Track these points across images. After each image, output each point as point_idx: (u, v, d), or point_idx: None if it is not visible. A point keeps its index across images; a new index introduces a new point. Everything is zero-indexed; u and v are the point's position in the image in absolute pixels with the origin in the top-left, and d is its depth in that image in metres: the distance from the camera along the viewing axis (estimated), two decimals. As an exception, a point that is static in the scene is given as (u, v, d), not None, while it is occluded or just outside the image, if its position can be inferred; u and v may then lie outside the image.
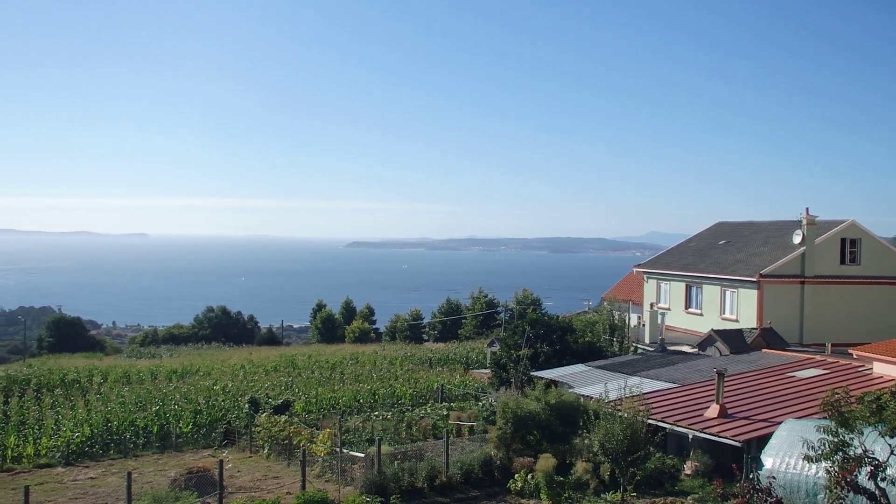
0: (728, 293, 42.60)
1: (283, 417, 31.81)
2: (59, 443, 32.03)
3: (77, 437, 32.60)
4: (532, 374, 35.49)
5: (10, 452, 31.61)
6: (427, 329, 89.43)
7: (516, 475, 24.16)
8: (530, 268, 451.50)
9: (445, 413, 33.33)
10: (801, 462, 18.56)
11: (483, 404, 34.66)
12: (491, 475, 25.11)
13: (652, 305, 46.66)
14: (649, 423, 22.98)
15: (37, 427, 34.34)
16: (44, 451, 31.90)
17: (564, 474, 23.94)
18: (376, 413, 34.85)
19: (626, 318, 45.76)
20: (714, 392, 26.35)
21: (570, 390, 30.12)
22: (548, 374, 34.59)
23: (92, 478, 28.52)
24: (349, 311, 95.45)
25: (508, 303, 77.88)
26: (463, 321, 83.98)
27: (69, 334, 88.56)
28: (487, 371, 46.88)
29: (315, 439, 27.51)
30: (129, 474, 21.68)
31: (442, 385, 41.56)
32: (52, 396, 42.80)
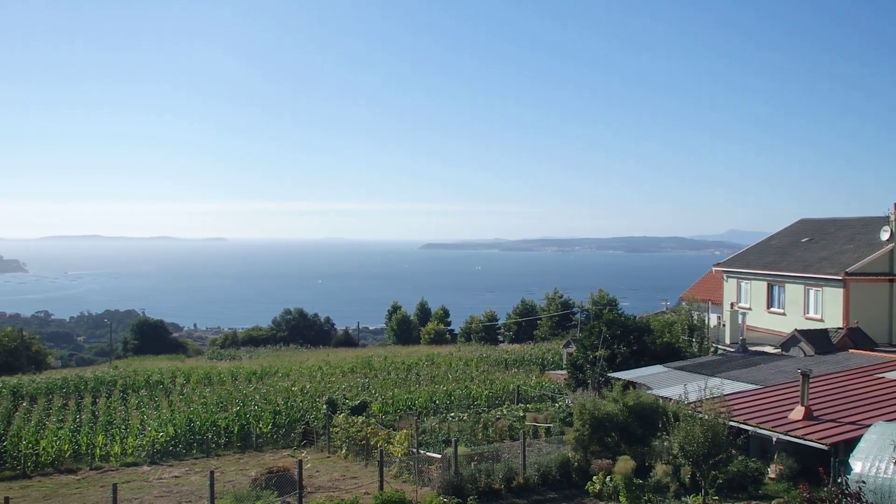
0: (812, 292, 41.36)
1: (361, 418, 32.08)
2: (144, 442, 32.96)
3: (161, 436, 33.49)
4: (609, 375, 35.01)
5: (98, 451, 32.69)
6: (502, 330, 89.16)
7: (594, 477, 23.88)
8: (605, 268, 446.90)
9: (522, 414, 33.19)
10: (892, 466, 17.87)
11: (559, 406, 34.38)
12: (568, 477, 24.88)
13: (732, 305, 45.60)
14: (731, 426, 22.44)
15: (123, 427, 35.43)
16: (130, 450, 32.88)
17: (643, 477, 23.57)
18: (452, 414, 34.89)
19: (706, 319, 44.83)
20: (798, 393, 25.57)
21: (649, 392, 29.63)
22: (625, 375, 34.08)
23: (176, 476, 29.23)
24: (424, 312, 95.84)
25: (584, 303, 77.15)
26: (538, 322, 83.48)
27: (152, 336, 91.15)
28: (563, 372, 46.51)
29: (392, 440, 27.65)
30: (212, 473, 22.16)
31: (518, 386, 41.37)
32: (138, 397, 44.03)
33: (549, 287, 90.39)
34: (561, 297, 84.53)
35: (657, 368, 35.37)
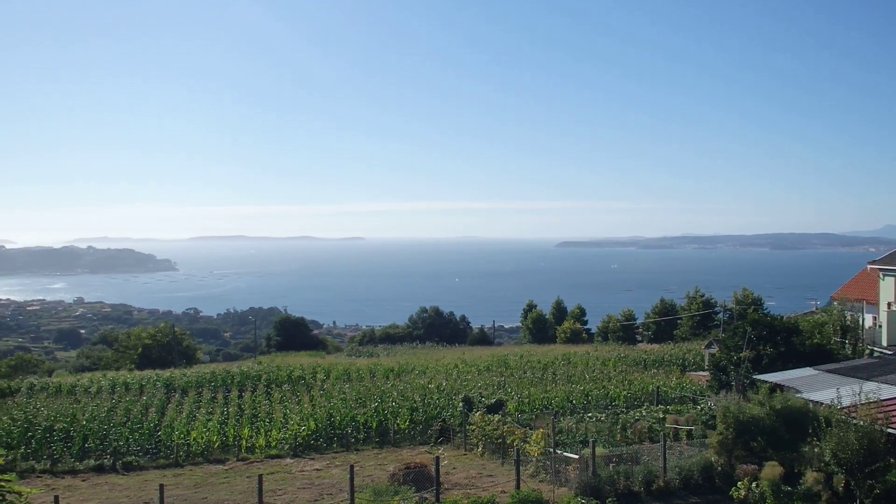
0: (981, 290, 38.32)
1: (497, 416, 31.96)
2: (287, 435, 33.98)
3: (303, 430, 34.43)
4: (754, 377, 33.51)
5: (244, 443, 33.96)
6: (640, 329, 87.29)
7: (739, 483, 22.84)
8: (750, 266, 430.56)
9: (662, 416, 32.20)
10: None
11: (702, 408, 33.20)
12: (711, 481, 23.91)
13: (889, 305, 42.80)
14: (889, 433, 21.00)
15: (267, 420, 36.63)
16: (274, 443, 33.96)
17: (792, 484, 22.33)
18: (589, 414, 34.28)
19: (860, 319, 42.26)
20: (967, 400, 23.68)
21: (797, 395, 28.14)
22: (771, 377, 32.49)
23: (317, 469, 29.94)
24: (560, 311, 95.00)
25: (727, 303, 74.53)
26: (678, 322, 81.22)
27: (294, 333, 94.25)
28: (705, 373, 45.02)
29: (528, 439, 27.35)
30: (352, 467, 22.51)
31: (657, 387, 40.28)
32: (281, 392, 45.43)
33: (689, 286, 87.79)
34: (702, 295, 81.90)
35: (806, 371, 33.57)
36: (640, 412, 33.58)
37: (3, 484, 6.18)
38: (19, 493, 6.34)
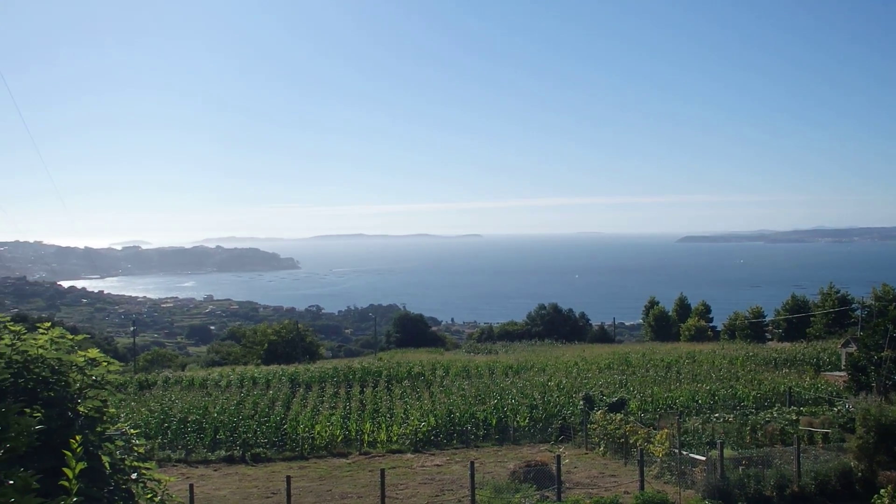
0: None
1: (619, 415, 31.36)
2: (407, 430, 34.35)
3: (423, 426, 34.70)
4: (896, 378, 31.77)
5: (366, 437, 34.53)
6: (770, 327, 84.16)
7: (882, 490, 21.52)
8: (891, 260, 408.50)
9: (794, 418, 30.85)
10: None
11: (838, 410, 31.62)
12: (850, 488, 22.71)
13: None
14: None
15: (388, 415, 37.12)
16: (395, 438, 34.41)
17: (942, 493, 20.98)
18: (716, 415, 33.22)
19: None
20: None
21: (946, 397, 26.47)
22: (916, 378, 30.73)
23: (438, 465, 30.11)
24: (683, 308, 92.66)
25: (865, 299, 70.98)
26: (811, 319, 77.84)
27: (413, 330, 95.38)
28: (842, 374, 43.00)
29: (652, 439, 26.73)
30: (472, 464, 22.49)
31: (789, 388, 38.70)
32: (401, 388, 45.96)
33: (822, 281, 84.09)
34: (837, 292, 78.21)
35: (955, 372, 31.57)
36: (771, 413, 32.30)
37: (144, 472, 6.37)
38: (158, 481, 6.52)
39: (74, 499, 4.26)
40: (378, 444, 34.11)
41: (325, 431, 34.53)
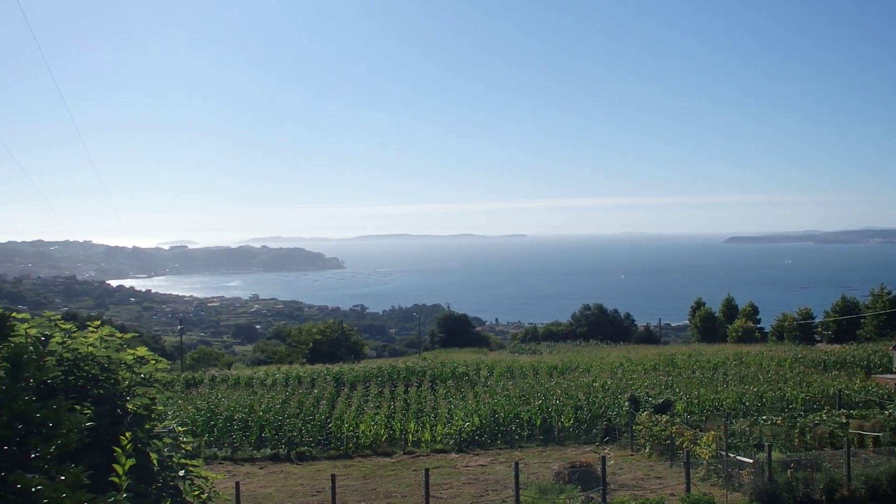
0: None
1: (665, 417, 31.04)
2: (452, 430, 34.34)
3: (468, 426, 34.66)
4: (951, 380, 31.02)
5: (410, 437, 34.59)
6: (819, 329, 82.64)
7: (936, 496, 21.13)
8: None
9: (844, 421, 30.29)
10: None
11: (890, 413, 31.02)
12: (903, 493, 22.26)
13: None
14: None
15: (432, 415, 37.16)
16: (439, 438, 34.43)
17: None
18: (764, 417, 32.73)
19: None
20: None
21: None
22: (971, 381, 29.97)
23: (482, 465, 30.09)
24: (730, 309, 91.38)
25: (917, 300, 69.39)
26: (861, 321, 76.31)
27: (457, 330, 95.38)
28: (893, 376, 42.18)
29: (698, 441, 26.45)
30: (517, 464, 22.44)
31: (839, 390, 37.96)
32: (445, 387, 45.96)
33: (873, 282, 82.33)
34: (889, 293, 76.58)
35: None
36: (821, 416, 31.75)
37: (191, 469, 6.46)
38: (205, 478, 6.61)
39: (124, 495, 4.32)
40: (422, 444, 34.15)
41: (370, 430, 34.67)
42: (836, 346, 67.13)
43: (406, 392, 45.36)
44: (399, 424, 35.61)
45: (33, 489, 3.94)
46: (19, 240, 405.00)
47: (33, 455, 4.35)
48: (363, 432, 34.54)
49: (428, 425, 35.51)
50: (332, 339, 78.35)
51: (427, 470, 22.79)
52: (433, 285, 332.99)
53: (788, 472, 22.46)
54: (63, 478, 4.07)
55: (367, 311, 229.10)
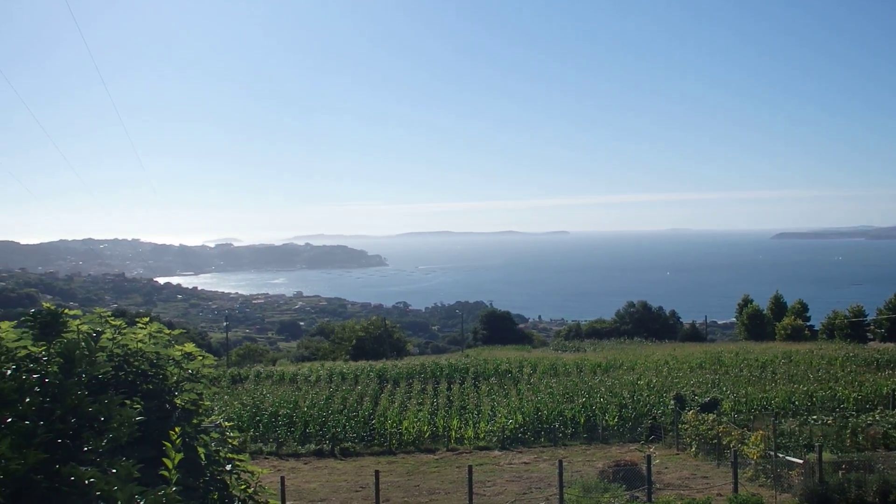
0: None
1: (711, 416, 30.65)
2: (495, 428, 34.30)
3: (511, 423, 34.59)
4: None
5: (453, 434, 34.63)
6: (872, 327, 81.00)
7: None
8: None
9: (898, 421, 29.66)
10: None
11: (945, 413, 30.28)
12: (959, 496, 21.68)
13: None
14: None
15: (475, 412, 37.16)
16: (482, 435, 34.40)
17: None
18: (814, 417, 32.12)
19: None
20: None
21: None
22: None
23: (525, 463, 29.99)
24: (779, 306, 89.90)
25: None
26: (915, 319, 74.68)
27: (500, 327, 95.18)
28: (949, 376, 41.11)
29: (746, 441, 26.07)
30: (560, 462, 22.34)
31: (893, 389, 37.14)
32: (488, 385, 45.91)
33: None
34: (945, 289, 74.91)
35: None
36: (874, 416, 31.07)
37: (237, 463, 6.50)
38: (251, 473, 6.64)
39: (174, 488, 4.36)
40: (465, 441, 34.15)
41: (413, 427, 34.76)
42: (890, 345, 65.76)
43: (449, 389, 45.38)
44: (442, 421, 35.63)
45: (87, 482, 3.99)
46: (70, 238, 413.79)
47: (86, 448, 4.41)
48: (406, 429, 34.64)
49: (471, 422, 35.50)
50: (376, 335, 78.63)
51: (470, 467, 22.74)
52: (475, 282, 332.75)
53: (840, 473, 22.01)
54: (115, 471, 4.11)
55: (410, 308, 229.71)
